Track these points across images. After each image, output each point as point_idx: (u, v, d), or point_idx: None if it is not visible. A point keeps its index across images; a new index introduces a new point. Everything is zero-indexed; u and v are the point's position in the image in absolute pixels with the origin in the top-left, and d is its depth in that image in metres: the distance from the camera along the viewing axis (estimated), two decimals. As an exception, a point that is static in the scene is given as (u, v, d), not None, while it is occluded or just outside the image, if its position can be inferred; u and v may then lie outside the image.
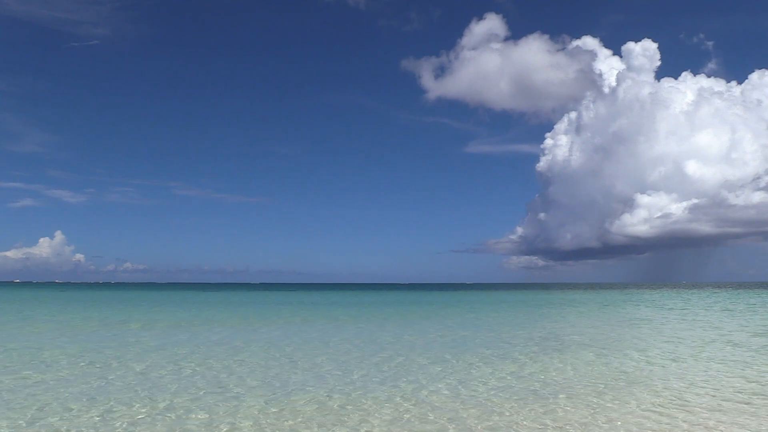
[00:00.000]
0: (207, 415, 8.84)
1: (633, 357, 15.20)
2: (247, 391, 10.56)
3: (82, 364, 13.69)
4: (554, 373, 12.59)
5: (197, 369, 12.91)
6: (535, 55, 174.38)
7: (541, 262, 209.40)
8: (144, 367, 13.05)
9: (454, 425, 8.44)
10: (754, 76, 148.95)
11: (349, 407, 9.37)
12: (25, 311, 36.95)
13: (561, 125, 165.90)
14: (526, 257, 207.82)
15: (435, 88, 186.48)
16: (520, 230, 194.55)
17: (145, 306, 45.86)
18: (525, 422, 8.55)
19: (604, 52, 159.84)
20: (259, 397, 10.19)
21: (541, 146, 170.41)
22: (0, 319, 29.44)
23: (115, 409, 9.13)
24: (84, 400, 9.80)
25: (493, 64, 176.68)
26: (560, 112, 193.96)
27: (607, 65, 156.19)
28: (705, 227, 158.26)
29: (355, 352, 16.03)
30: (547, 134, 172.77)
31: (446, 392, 10.60)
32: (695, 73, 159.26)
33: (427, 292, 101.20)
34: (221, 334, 20.99)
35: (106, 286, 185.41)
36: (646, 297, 67.76)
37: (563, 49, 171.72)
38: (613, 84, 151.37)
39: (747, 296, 67.35)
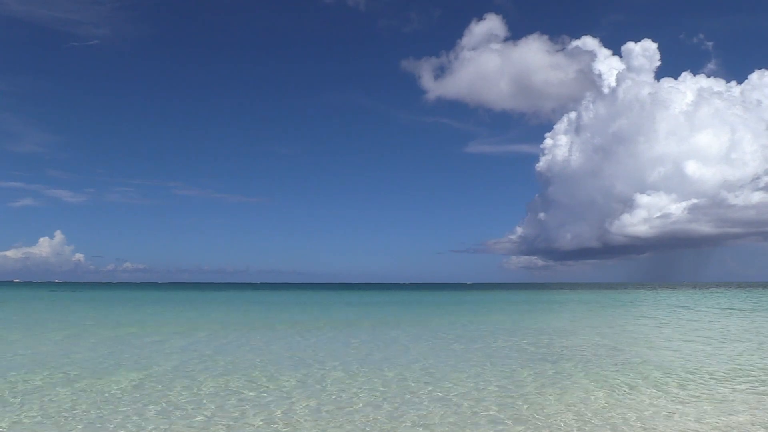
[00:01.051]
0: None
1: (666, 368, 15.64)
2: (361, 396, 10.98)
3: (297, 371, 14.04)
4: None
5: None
6: (534, 55, 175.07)
7: (540, 262, 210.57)
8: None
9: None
10: (754, 77, 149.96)
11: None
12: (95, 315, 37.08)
13: (561, 125, 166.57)
14: (526, 257, 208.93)
15: (435, 88, 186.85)
16: (520, 230, 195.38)
17: (186, 306, 46.05)
18: None
19: (603, 52, 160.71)
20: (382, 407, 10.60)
21: (541, 146, 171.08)
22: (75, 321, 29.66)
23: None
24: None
25: (492, 64, 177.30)
26: (560, 112, 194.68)
27: (607, 65, 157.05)
28: (705, 227, 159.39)
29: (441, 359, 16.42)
30: (547, 134, 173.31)
31: (550, 398, 11.02)
32: (695, 73, 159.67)
33: (432, 293, 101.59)
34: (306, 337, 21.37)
35: (109, 286, 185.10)
36: (655, 297, 68.42)
37: (563, 49, 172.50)
38: (613, 84, 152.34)
39: (753, 296, 68.14)
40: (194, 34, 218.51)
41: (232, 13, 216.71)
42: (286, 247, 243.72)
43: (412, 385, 12.31)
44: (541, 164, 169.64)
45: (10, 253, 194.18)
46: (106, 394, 11.21)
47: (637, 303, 53.72)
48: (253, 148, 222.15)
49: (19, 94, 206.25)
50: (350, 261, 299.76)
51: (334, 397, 11.19)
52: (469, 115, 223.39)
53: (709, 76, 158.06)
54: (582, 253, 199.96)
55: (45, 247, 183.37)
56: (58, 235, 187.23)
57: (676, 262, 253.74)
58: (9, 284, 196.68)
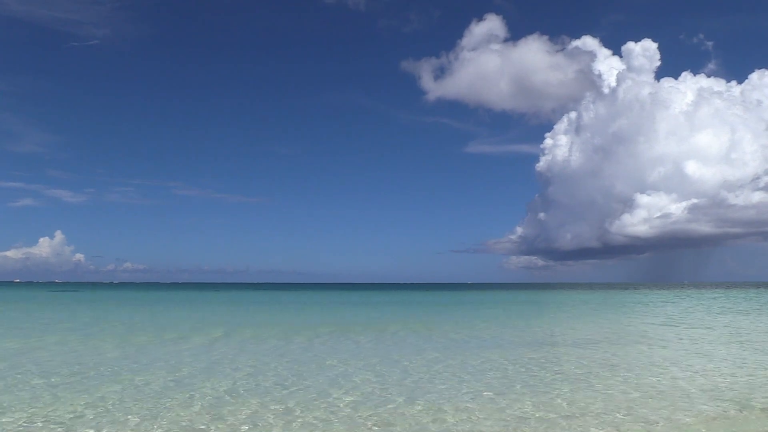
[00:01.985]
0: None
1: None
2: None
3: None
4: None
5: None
6: (534, 55, 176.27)
7: (540, 262, 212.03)
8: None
9: None
10: (754, 76, 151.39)
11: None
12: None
13: (561, 125, 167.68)
14: (526, 257, 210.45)
15: (435, 88, 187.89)
16: (520, 230, 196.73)
17: (224, 308, 46.18)
18: None
19: (603, 52, 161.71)
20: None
21: (541, 146, 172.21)
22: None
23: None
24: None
25: (492, 64, 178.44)
26: (560, 112, 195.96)
27: (607, 65, 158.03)
28: (705, 227, 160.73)
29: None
30: (547, 134, 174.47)
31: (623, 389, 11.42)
32: (695, 73, 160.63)
33: (438, 293, 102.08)
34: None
35: (110, 286, 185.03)
36: (663, 298, 68.86)
37: (563, 49, 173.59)
38: (613, 84, 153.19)
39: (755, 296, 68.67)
40: (194, 34, 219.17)
41: (232, 13, 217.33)
42: (286, 247, 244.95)
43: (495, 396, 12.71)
44: (541, 164, 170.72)
45: (10, 253, 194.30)
46: (212, 400, 11.56)
47: (658, 306, 54.21)
48: (253, 148, 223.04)
49: (19, 94, 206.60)
50: (350, 261, 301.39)
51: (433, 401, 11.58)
52: (469, 116, 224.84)
53: (709, 76, 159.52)
54: (582, 253, 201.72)
55: (45, 247, 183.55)
56: (59, 235, 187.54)
57: (676, 262, 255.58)
58: (9, 284, 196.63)
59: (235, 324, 30.36)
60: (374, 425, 9.67)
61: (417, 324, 30.16)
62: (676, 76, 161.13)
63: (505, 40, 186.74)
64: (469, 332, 25.39)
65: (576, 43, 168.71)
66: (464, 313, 41.02)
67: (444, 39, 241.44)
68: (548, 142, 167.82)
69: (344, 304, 57.08)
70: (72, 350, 18.79)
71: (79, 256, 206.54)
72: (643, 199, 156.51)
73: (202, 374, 14.16)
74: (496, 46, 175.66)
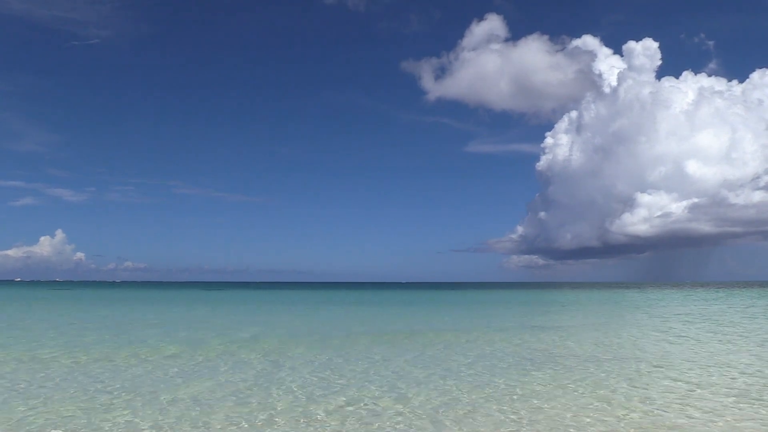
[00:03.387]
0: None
1: None
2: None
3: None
4: None
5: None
6: (534, 55, 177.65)
7: (541, 262, 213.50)
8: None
9: None
10: (755, 76, 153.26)
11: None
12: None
13: (561, 125, 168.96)
14: (527, 256, 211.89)
15: (435, 88, 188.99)
16: (520, 230, 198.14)
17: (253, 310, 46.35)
18: None
19: (604, 52, 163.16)
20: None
21: (542, 146, 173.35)
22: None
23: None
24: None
25: (493, 64, 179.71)
26: (560, 112, 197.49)
27: (608, 64, 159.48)
28: (705, 226, 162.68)
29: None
30: (548, 134, 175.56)
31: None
32: (696, 72, 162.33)
33: (447, 292, 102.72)
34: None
35: (113, 285, 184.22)
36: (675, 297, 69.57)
37: (563, 49, 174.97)
38: (614, 83, 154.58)
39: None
40: (194, 34, 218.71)
41: (232, 13, 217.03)
42: (286, 246, 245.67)
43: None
44: (542, 164, 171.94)
45: (11, 252, 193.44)
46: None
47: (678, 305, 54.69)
48: (253, 148, 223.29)
49: (19, 93, 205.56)
50: (350, 261, 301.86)
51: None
52: (470, 115, 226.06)
53: (710, 76, 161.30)
54: (582, 253, 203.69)
55: (46, 246, 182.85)
56: (59, 234, 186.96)
57: (676, 261, 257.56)
58: (10, 283, 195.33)
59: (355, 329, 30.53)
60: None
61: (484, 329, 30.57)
62: (677, 75, 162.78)
63: (506, 40, 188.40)
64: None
65: (576, 42, 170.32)
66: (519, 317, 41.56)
67: (444, 39, 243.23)
68: (549, 141, 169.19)
69: (378, 304, 57.17)
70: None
71: (80, 255, 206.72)
72: (643, 198, 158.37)
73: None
74: (496, 46, 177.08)
